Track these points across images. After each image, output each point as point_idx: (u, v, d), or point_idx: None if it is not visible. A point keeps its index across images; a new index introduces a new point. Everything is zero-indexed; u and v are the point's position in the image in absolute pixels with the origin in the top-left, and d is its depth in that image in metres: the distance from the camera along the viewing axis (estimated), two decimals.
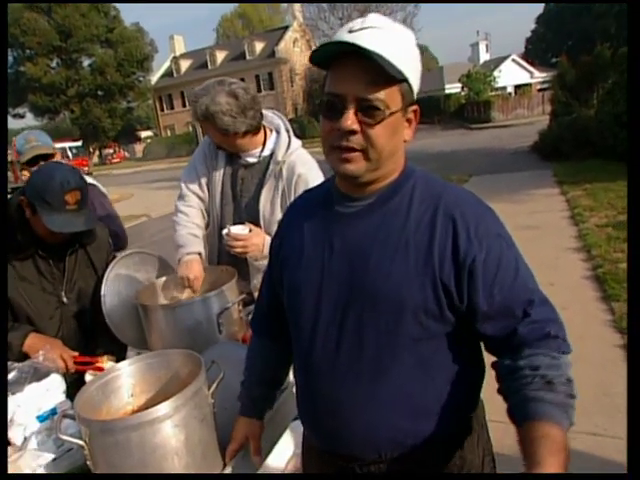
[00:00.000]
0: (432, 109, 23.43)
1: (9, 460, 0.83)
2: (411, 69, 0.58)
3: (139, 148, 33.23)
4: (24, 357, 1.07)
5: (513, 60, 26.00)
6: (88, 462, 0.72)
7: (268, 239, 1.17)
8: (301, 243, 0.68)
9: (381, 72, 0.55)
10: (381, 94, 0.57)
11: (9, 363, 1.01)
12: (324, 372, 0.65)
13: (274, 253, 0.76)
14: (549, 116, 9.33)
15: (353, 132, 0.58)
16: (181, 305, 1.16)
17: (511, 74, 24.92)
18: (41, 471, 0.83)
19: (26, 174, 1.61)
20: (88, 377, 1.04)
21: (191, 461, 0.72)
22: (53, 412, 0.93)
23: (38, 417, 0.91)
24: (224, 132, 1.18)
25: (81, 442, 0.70)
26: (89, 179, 1.55)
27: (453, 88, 24.34)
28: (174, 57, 31.37)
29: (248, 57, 27.76)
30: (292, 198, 1.21)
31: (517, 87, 24.77)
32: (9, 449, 0.87)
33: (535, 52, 32.22)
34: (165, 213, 7.43)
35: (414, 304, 0.59)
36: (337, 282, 0.63)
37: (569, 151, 7.40)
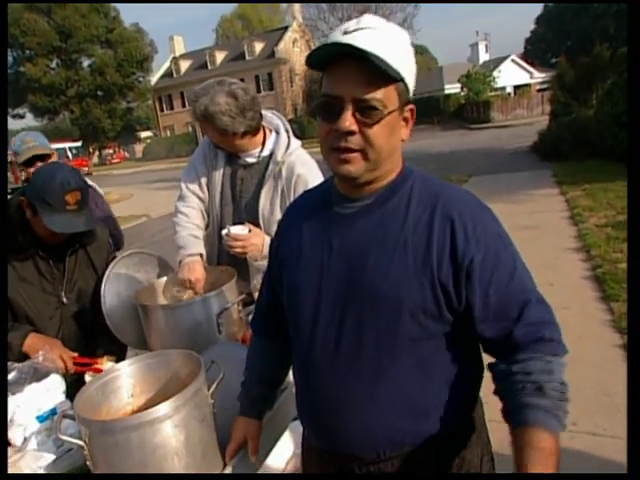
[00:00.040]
0: (431, 109, 23.44)
1: (9, 461, 0.83)
2: (407, 68, 0.59)
3: (139, 148, 33.24)
4: (24, 357, 1.07)
5: (512, 60, 26.03)
6: (88, 462, 0.72)
7: (267, 239, 1.18)
8: (300, 243, 0.68)
9: (377, 72, 0.56)
10: (378, 94, 0.57)
11: (9, 363, 1.01)
12: (323, 372, 0.65)
13: (273, 253, 0.76)
14: (548, 116, 9.35)
15: (351, 133, 0.58)
16: (181, 305, 1.16)
17: (510, 74, 24.95)
18: (41, 472, 0.83)
19: (24, 175, 1.62)
20: (88, 377, 1.04)
21: (191, 461, 0.72)
22: (53, 412, 0.93)
23: (38, 417, 0.91)
24: (223, 132, 1.18)
25: (81, 442, 0.70)
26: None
27: (452, 88, 24.37)
28: (174, 57, 31.39)
29: (248, 57, 27.78)
30: (291, 198, 1.21)
31: (516, 87, 24.80)
32: (9, 450, 0.87)
33: (534, 52, 32.26)
34: (165, 213, 7.44)
35: (413, 304, 0.59)
36: (336, 282, 0.63)
37: (568, 151, 7.41)
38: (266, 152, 1.28)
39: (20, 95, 24.93)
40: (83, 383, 0.92)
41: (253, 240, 1.20)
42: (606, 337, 2.31)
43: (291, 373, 0.78)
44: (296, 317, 0.69)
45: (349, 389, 0.63)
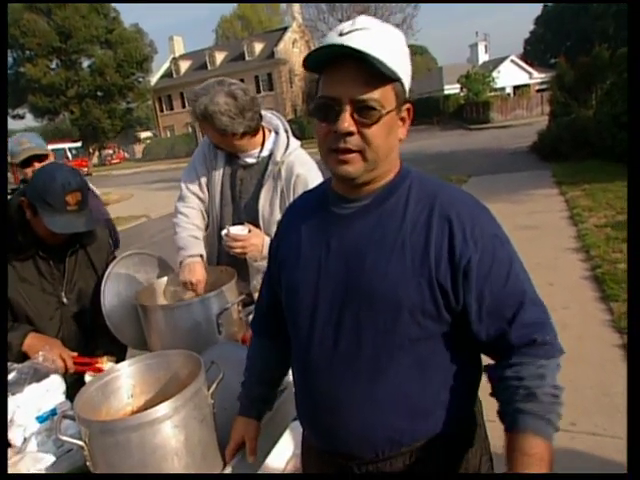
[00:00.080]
0: (431, 110, 23.45)
1: (9, 463, 0.83)
2: (403, 68, 0.59)
3: (139, 149, 33.25)
4: (23, 357, 1.07)
5: (512, 61, 26.06)
6: (88, 463, 0.72)
7: (267, 240, 1.18)
8: (298, 244, 0.68)
9: (374, 72, 0.56)
10: (375, 94, 0.57)
11: (9, 364, 1.01)
12: (322, 371, 0.65)
13: (273, 254, 0.76)
14: (548, 117, 9.35)
15: (350, 134, 0.58)
16: (180, 306, 1.16)
17: (510, 75, 24.98)
18: (41, 472, 0.83)
19: (21, 175, 1.62)
20: (88, 378, 1.04)
21: (191, 461, 0.72)
22: (53, 413, 0.93)
23: (38, 418, 0.91)
24: (222, 132, 1.18)
25: (81, 443, 0.70)
26: None
27: (452, 89, 24.39)
28: (173, 58, 31.40)
29: (247, 58, 27.80)
30: (291, 198, 1.21)
31: (516, 88, 24.83)
32: (9, 451, 0.87)
33: (534, 53, 32.31)
34: (165, 214, 7.44)
35: (411, 304, 0.59)
36: (334, 282, 0.64)
37: (568, 152, 7.42)
38: (265, 152, 1.29)
39: (20, 95, 24.92)
40: (83, 383, 0.92)
41: (253, 240, 1.20)
42: (606, 337, 2.32)
43: (291, 373, 0.78)
44: (294, 317, 0.69)
45: (347, 389, 0.63)
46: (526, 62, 26.92)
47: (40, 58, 24.66)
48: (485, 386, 0.67)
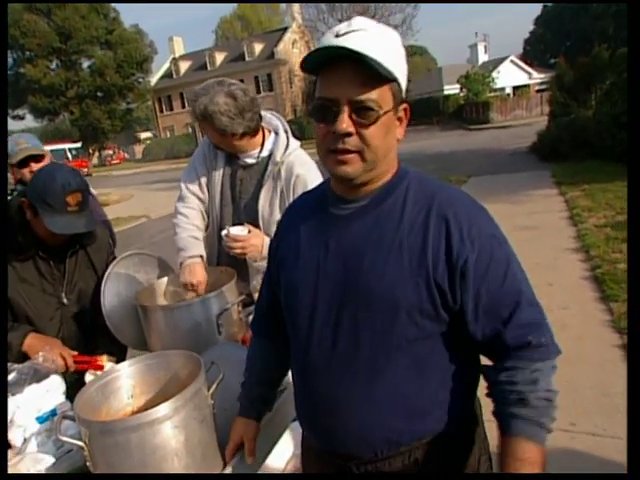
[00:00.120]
0: (431, 110, 23.47)
1: (9, 463, 0.83)
2: (399, 68, 0.59)
3: (138, 149, 33.25)
4: (23, 357, 1.07)
5: (511, 61, 26.09)
6: (88, 463, 0.72)
7: (267, 240, 1.18)
8: (297, 244, 0.69)
9: (371, 73, 0.56)
10: (373, 95, 0.57)
11: (9, 364, 1.01)
12: (320, 371, 0.65)
13: (272, 254, 0.76)
14: (547, 117, 9.36)
15: (349, 134, 0.58)
16: (180, 306, 1.16)
17: (509, 75, 25.00)
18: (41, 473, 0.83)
19: (18, 176, 1.63)
20: (88, 378, 1.04)
21: (191, 462, 0.72)
22: (53, 413, 0.93)
23: (38, 418, 0.91)
24: (221, 132, 1.19)
25: (81, 443, 0.70)
26: None
27: (452, 89, 24.41)
28: (173, 58, 31.42)
29: (247, 58, 27.81)
30: (291, 199, 1.21)
31: (515, 88, 24.85)
32: (9, 452, 0.87)
33: (533, 53, 32.34)
34: (165, 214, 7.44)
35: (408, 304, 0.60)
36: (332, 283, 0.64)
37: (567, 152, 7.42)
38: (265, 153, 1.29)
39: (20, 96, 24.93)
40: (83, 384, 0.92)
41: (252, 241, 1.20)
42: (605, 337, 2.32)
43: (290, 374, 0.78)
44: (293, 317, 0.69)
45: (346, 389, 0.63)
46: (526, 62, 26.94)
47: (40, 59, 24.67)
48: (484, 386, 0.67)
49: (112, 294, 1.18)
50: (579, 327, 2.43)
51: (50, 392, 0.97)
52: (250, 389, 0.82)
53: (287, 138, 1.29)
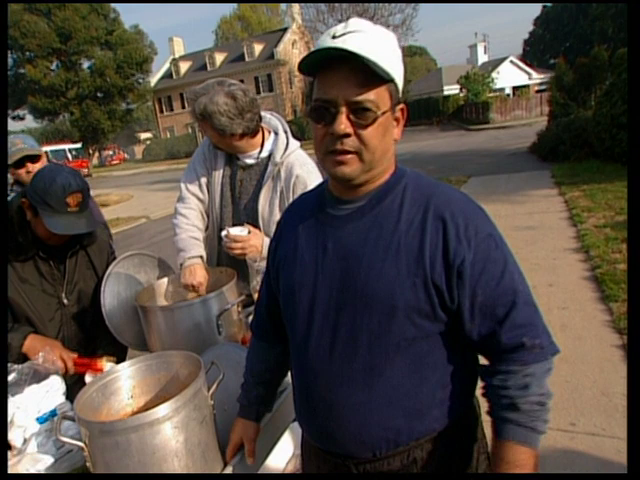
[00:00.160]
0: (431, 110, 23.49)
1: (9, 463, 0.83)
2: (396, 69, 0.60)
3: (138, 150, 33.29)
4: (23, 358, 1.07)
5: (511, 62, 26.12)
6: (88, 464, 0.72)
7: (267, 240, 1.18)
8: (296, 245, 0.69)
9: (369, 74, 0.56)
10: (371, 95, 0.58)
11: (9, 365, 1.01)
12: (319, 372, 0.65)
13: (271, 254, 0.76)
14: (547, 117, 9.36)
15: (347, 135, 0.58)
16: (180, 307, 1.16)
17: (509, 75, 25.03)
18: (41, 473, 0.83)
19: (14, 176, 1.63)
20: (88, 378, 1.04)
21: (191, 462, 0.72)
22: (53, 414, 0.93)
23: (38, 419, 0.91)
24: (221, 132, 1.19)
25: (81, 444, 0.70)
26: None
27: (452, 89, 24.43)
28: (173, 59, 31.43)
29: (247, 59, 27.82)
30: (290, 199, 1.21)
31: (515, 88, 24.87)
32: (9, 451, 0.87)
33: (533, 54, 32.38)
34: (164, 215, 7.44)
35: (406, 305, 0.60)
36: (330, 283, 0.64)
37: (567, 152, 7.42)
38: (265, 153, 1.29)
39: (20, 97, 24.95)
40: (83, 384, 0.92)
41: (252, 241, 1.20)
42: (605, 337, 2.32)
43: (290, 374, 0.79)
44: (292, 318, 0.69)
45: (344, 389, 0.64)
46: (525, 63, 26.98)
47: (40, 59, 24.67)
48: (482, 385, 0.67)
49: (112, 294, 1.18)
50: (579, 327, 2.43)
51: (50, 392, 0.97)
52: (249, 390, 0.82)
53: (287, 138, 1.29)
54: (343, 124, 0.58)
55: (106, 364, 1.10)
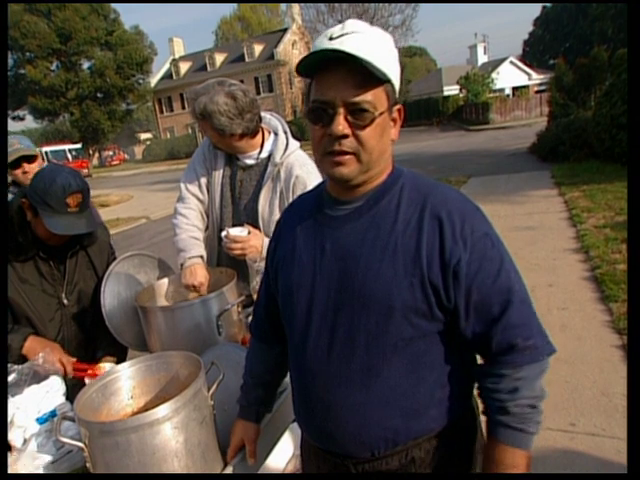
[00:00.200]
0: (431, 111, 23.51)
1: (9, 464, 0.83)
2: (393, 70, 0.60)
3: (138, 150, 33.32)
4: (23, 360, 1.06)
5: (511, 62, 26.14)
6: (88, 464, 0.72)
7: (267, 241, 1.18)
8: (294, 246, 0.69)
9: (366, 75, 0.57)
10: (368, 96, 0.58)
11: (9, 365, 1.01)
12: (317, 372, 0.65)
13: (270, 255, 0.77)
14: (547, 118, 9.37)
15: (345, 136, 0.59)
16: (180, 307, 1.16)
17: (509, 76, 25.06)
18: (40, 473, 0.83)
19: (10, 177, 1.63)
20: (88, 379, 1.04)
21: (191, 463, 0.72)
22: (53, 414, 0.93)
23: (38, 419, 0.91)
24: (220, 132, 1.19)
25: (81, 444, 0.70)
26: None
27: (451, 90, 24.46)
28: (173, 59, 31.45)
29: (247, 59, 27.85)
30: (290, 199, 1.21)
31: (515, 89, 24.89)
32: (9, 452, 0.87)
33: (533, 54, 32.41)
34: (164, 215, 7.44)
35: (403, 304, 0.60)
36: (328, 284, 0.64)
37: (567, 152, 7.43)
38: (265, 154, 1.29)
39: (20, 97, 24.97)
40: (83, 385, 0.92)
41: (252, 242, 1.20)
42: (605, 338, 2.32)
43: (289, 375, 0.79)
44: (290, 319, 0.69)
45: (342, 389, 0.64)
46: (525, 63, 27.00)
47: (40, 60, 24.69)
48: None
49: (112, 295, 1.18)
50: (579, 328, 2.43)
51: (50, 393, 0.96)
52: (249, 391, 0.82)
53: (286, 139, 1.29)
54: (341, 125, 0.58)
55: (105, 368, 1.10)
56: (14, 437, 0.89)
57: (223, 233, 1.21)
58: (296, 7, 25.65)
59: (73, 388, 1.00)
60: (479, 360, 0.67)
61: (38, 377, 1.00)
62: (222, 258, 1.36)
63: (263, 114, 1.29)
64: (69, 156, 20.98)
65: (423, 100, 24.55)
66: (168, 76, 30.93)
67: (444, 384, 0.64)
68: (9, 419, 0.90)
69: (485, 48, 30.61)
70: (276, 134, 1.31)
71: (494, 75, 22.68)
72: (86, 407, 0.75)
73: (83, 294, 1.22)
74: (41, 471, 0.83)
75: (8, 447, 0.87)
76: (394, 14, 17.20)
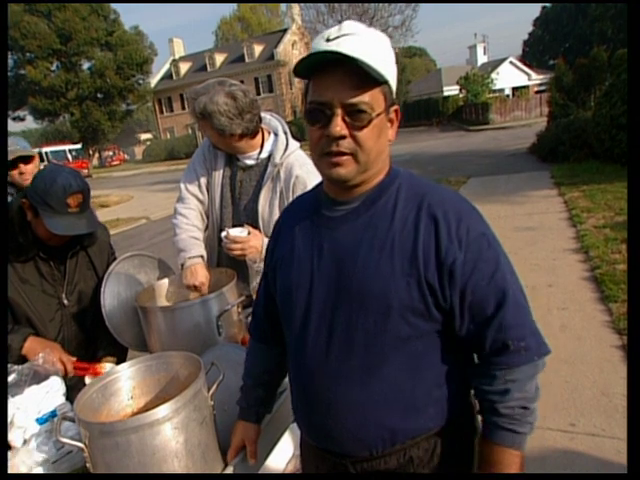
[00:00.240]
0: (430, 111, 23.53)
1: (9, 464, 0.83)
2: (390, 71, 0.60)
3: (139, 150, 33.35)
4: (23, 360, 1.07)
5: (511, 62, 26.17)
6: (88, 464, 0.72)
7: (267, 241, 1.18)
8: (293, 246, 0.69)
9: (363, 76, 0.57)
10: (365, 97, 0.58)
11: (9, 365, 1.01)
12: (315, 371, 0.66)
13: (269, 255, 0.77)
14: (547, 118, 9.37)
15: (342, 137, 0.59)
16: (180, 307, 1.16)
17: (509, 76, 25.08)
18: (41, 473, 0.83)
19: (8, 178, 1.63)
20: (88, 379, 1.05)
21: (191, 463, 0.72)
22: (53, 414, 0.93)
23: (38, 419, 0.91)
24: (220, 132, 1.19)
25: (81, 444, 0.70)
26: None
27: (451, 90, 24.47)
28: (173, 60, 31.48)
29: (247, 60, 27.87)
30: (290, 200, 1.21)
31: (515, 89, 24.90)
32: (9, 452, 0.87)
33: (532, 54, 32.44)
34: (164, 215, 7.44)
35: (401, 304, 0.60)
36: (326, 284, 0.64)
37: (567, 153, 7.43)
38: (264, 154, 1.29)
39: (20, 97, 24.98)
40: (83, 385, 0.92)
41: (252, 242, 1.20)
42: (605, 338, 2.32)
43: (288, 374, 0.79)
44: (289, 319, 0.70)
45: (341, 389, 0.64)
46: (525, 64, 27.03)
47: (40, 60, 24.71)
48: None
49: (112, 295, 1.18)
50: (578, 328, 2.43)
51: (50, 393, 0.97)
52: (249, 392, 0.82)
53: (286, 139, 1.29)
54: (339, 126, 0.58)
55: (105, 367, 1.10)
56: (14, 437, 0.89)
57: (223, 233, 1.21)
58: (296, 7, 25.65)
59: (73, 388, 1.00)
60: (476, 360, 0.67)
61: (38, 377, 1.00)
62: (222, 258, 1.36)
63: (263, 114, 1.29)
64: (69, 156, 20.99)
65: (423, 100, 24.58)
66: (168, 76, 30.95)
67: (442, 383, 0.64)
68: (9, 419, 0.90)
69: (485, 48, 30.64)
70: (276, 134, 1.31)
71: (494, 75, 22.69)
72: (86, 407, 0.75)
73: (83, 294, 1.22)
74: (41, 471, 0.83)
75: (8, 447, 0.88)
76: (394, 14, 17.21)
